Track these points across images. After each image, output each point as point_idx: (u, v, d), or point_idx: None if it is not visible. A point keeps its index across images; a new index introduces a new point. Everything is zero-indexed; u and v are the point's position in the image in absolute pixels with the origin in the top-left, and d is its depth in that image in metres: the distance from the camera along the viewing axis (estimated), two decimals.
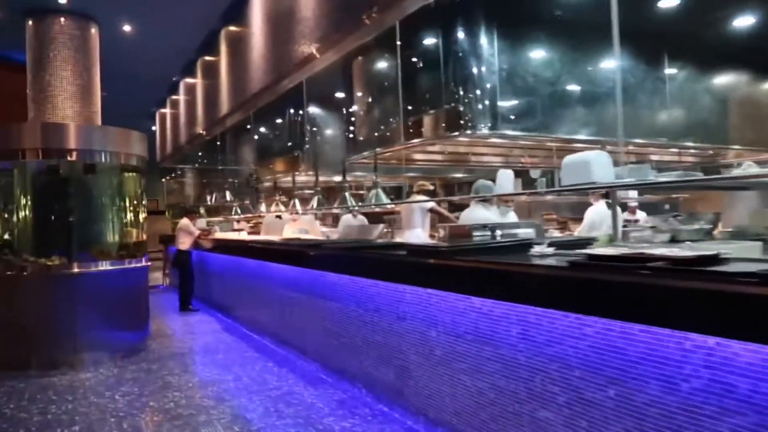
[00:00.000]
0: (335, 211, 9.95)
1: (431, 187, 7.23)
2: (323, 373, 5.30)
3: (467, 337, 3.48)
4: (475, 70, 5.64)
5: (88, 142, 6.10)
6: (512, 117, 5.69)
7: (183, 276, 9.42)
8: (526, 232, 4.16)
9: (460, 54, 5.73)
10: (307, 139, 9.39)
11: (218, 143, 13.25)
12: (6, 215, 6.14)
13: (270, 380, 5.22)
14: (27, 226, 6.11)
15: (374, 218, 11.79)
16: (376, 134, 6.74)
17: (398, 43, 6.73)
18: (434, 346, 3.78)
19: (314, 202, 6.09)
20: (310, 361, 5.64)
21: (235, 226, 11.98)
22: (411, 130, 6.65)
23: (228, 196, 10.11)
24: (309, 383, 5.07)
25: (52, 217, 6.14)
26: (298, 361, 5.77)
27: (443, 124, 6.11)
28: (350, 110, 7.94)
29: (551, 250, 3.24)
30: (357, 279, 4.71)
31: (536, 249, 3.25)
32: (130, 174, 6.55)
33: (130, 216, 6.57)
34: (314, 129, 9.38)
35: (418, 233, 7.02)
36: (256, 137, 11.37)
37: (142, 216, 6.72)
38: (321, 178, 10.11)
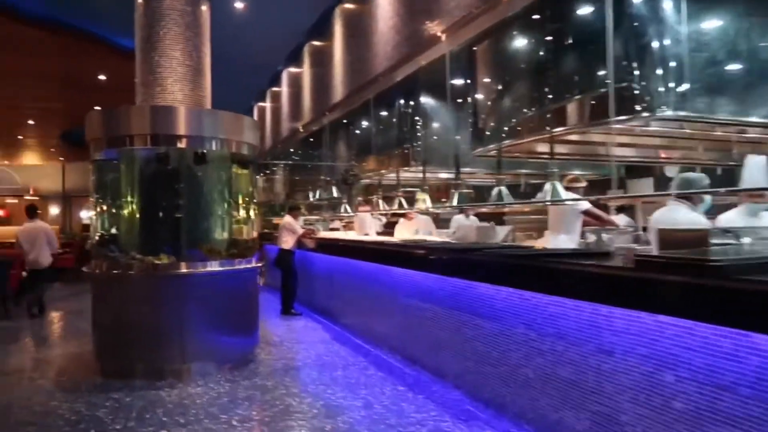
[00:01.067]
0: (444, 210, 8.99)
1: (584, 183, 6.07)
2: (471, 404, 4.34)
3: (740, 391, 2.40)
4: (655, 43, 4.48)
5: (199, 128, 5.46)
6: (701, 97, 4.49)
7: (286, 277, 8.77)
8: None
9: (636, 23, 4.60)
10: (419, 133, 8.49)
11: (311, 139, 12.68)
12: (112, 209, 5.62)
13: (407, 410, 4.32)
14: (133, 220, 5.56)
15: (484, 219, 10.75)
16: (530, 123, 5.69)
17: (537, 17, 5.72)
18: (672, 396, 2.71)
19: (455, 199, 5.14)
20: (450, 387, 4.71)
21: (331, 225, 11.32)
22: (549, 117, 5.62)
23: (335, 192, 9.38)
24: (457, 418, 4.12)
25: (160, 211, 5.56)
26: (435, 386, 4.84)
27: (589, 111, 5.05)
28: (474, 99, 6.96)
29: None
30: (529, 294, 3.72)
31: None
32: (242, 164, 5.88)
33: (241, 212, 5.90)
34: (427, 121, 8.48)
35: (563, 240, 5.89)
36: (357, 132, 10.63)
37: (253, 212, 6.04)
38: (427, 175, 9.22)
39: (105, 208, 5.67)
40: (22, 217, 24.38)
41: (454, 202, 5.17)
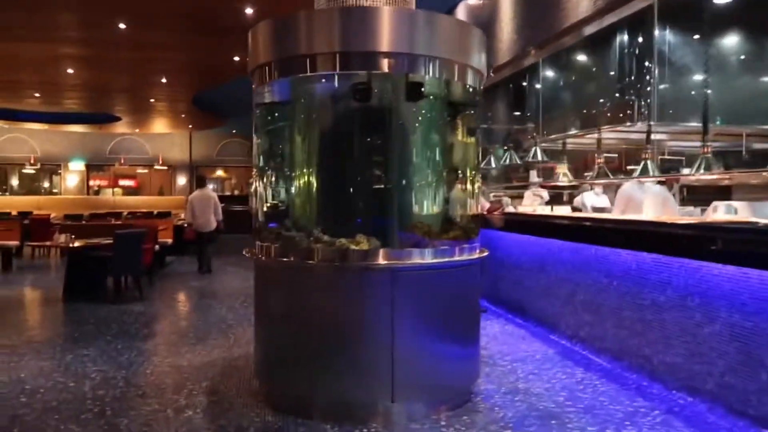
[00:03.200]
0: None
1: None
2: None
3: None
4: None
5: (410, 41, 3.53)
6: None
7: None
8: None
9: None
10: (650, 78, 6.09)
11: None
12: (283, 170, 3.89)
13: None
14: (314, 186, 3.79)
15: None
16: None
17: None
18: None
19: None
20: None
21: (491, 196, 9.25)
22: None
23: (539, 155, 7.14)
24: None
25: (353, 174, 3.73)
26: None
27: None
28: None
29: None
30: None
31: None
32: (464, 103, 3.91)
33: (462, 178, 3.95)
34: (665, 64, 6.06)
35: None
36: (537, 86, 8.40)
37: (477, 179, 4.03)
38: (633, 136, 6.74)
39: (272, 169, 3.94)
40: (152, 187, 24.63)
41: None
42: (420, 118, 3.83)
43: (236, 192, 23.98)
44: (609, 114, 6.60)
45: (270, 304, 3.83)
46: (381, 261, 3.49)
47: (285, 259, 3.66)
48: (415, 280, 3.52)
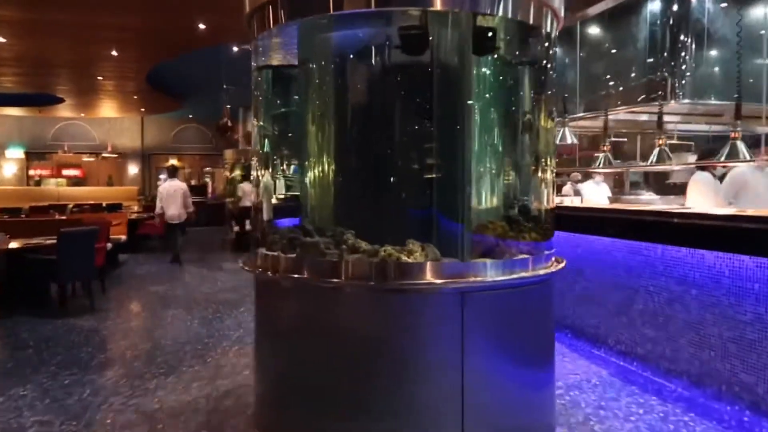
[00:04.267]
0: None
1: None
2: None
3: None
4: None
5: None
6: None
7: None
8: None
9: None
10: (685, 54, 5.29)
11: None
12: (299, 154, 2.83)
13: None
14: (339, 177, 2.75)
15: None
16: None
17: None
18: None
19: None
20: None
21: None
22: None
23: (567, 137, 6.11)
24: None
25: (396, 157, 2.71)
26: None
27: None
28: None
29: None
30: None
31: None
32: (543, 58, 2.93)
33: (540, 163, 2.97)
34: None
35: None
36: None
37: (553, 164, 3.04)
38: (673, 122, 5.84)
39: (280, 155, 2.88)
40: (99, 177, 22.75)
41: None
42: (488, 80, 2.83)
43: (193, 182, 22.41)
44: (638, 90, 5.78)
45: (282, 335, 2.78)
46: (444, 278, 2.50)
47: (306, 277, 2.62)
48: (491, 302, 2.55)
